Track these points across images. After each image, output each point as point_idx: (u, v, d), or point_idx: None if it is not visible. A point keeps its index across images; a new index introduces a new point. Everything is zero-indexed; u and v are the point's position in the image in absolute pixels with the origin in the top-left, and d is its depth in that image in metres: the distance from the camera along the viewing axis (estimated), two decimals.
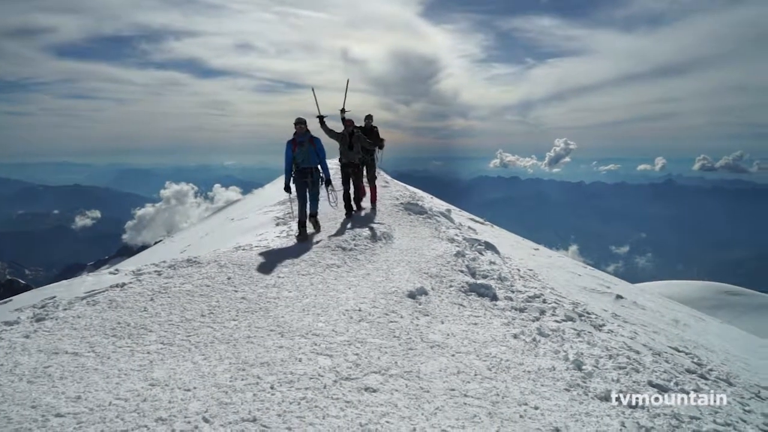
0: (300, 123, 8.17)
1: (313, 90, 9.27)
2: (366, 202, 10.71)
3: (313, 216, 8.59)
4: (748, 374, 5.90)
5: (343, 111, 9.74)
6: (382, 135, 10.92)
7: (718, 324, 10.74)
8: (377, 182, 11.20)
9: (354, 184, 9.82)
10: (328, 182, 8.71)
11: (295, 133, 8.20)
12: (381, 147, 10.85)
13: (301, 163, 8.23)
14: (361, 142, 9.69)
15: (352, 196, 9.78)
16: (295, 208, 8.51)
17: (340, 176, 9.73)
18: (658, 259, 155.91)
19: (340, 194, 9.66)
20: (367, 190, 10.86)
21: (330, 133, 9.38)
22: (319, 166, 8.47)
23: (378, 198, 10.90)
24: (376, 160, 11.08)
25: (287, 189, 8.39)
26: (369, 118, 10.94)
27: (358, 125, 10.19)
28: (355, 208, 9.93)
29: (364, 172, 10.42)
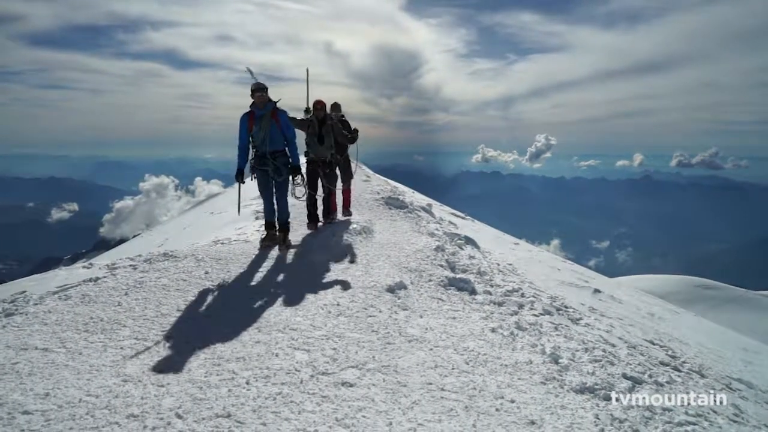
0: (259, 90, 6.25)
1: (307, 72, 7.76)
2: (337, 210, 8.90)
3: (283, 226, 6.86)
4: (720, 366, 6.03)
5: (308, 110, 7.88)
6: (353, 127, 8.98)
7: (693, 317, 10.96)
8: (353, 183, 9.36)
9: (325, 188, 7.94)
10: (296, 170, 6.71)
11: (252, 104, 6.38)
12: (354, 140, 8.79)
13: (260, 145, 6.42)
14: (335, 133, 7.77)
15: (319, 203, 7.96)
16: (257, 205, 7.12)
17: (306, 177, 7.67)
18: (638, 254, 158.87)
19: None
20: (339, 194, 8.98)
21: (292, 120, 7.23)
22: (286, 150, 6.62)
23: (359, 193, 10.66)
24: (352, 156, 9.22)
25: (238, 176, 6.55)
26: (336, 107, 8.91)
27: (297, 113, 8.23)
28: (321, 221, 8.09)
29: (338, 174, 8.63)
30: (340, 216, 8.73)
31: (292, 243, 7.00)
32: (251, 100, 6.40)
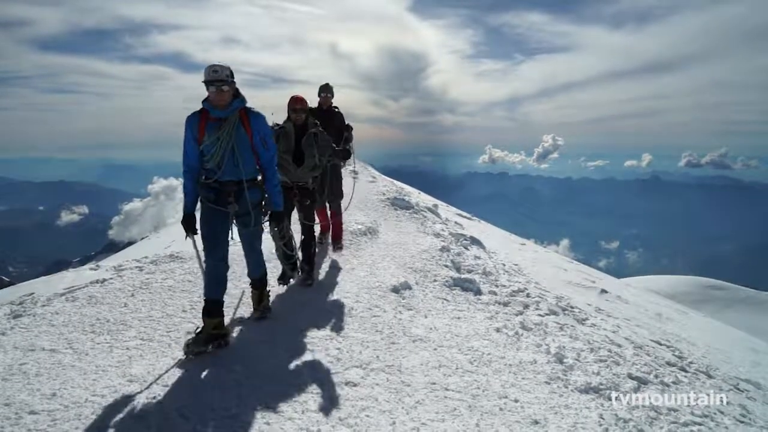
0: (218, 83, 3.66)
1: None
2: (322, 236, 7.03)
3: (258, 283, 4.53)
4: (728, 367, 5.97)
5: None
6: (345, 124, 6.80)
7: (701, 318, 10.87)
8: (344, 204, 7.16)
9: (303, 227, 5.54)
10: (278, 218, 4.31)
11: (206, 100, 3.80)
12: (347, 142, 6.70)
13: (215, 170, 3.87)
14: (319, 148, 5.25)
15: (297, 247, 5.34)
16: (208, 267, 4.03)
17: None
18: (648, 254, 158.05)
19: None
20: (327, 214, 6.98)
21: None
22: (259, 177, 4.14)
23: (365, 194, 10.38)
24: (343, 166, 6.97)
25: (187, 225, 3.97)
26: (325, 90, 6.54)
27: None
28: (306, 269, 5.52)
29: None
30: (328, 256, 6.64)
31: (270, 310, 4.68)
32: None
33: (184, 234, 4.04)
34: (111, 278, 5.47)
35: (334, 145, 5.67)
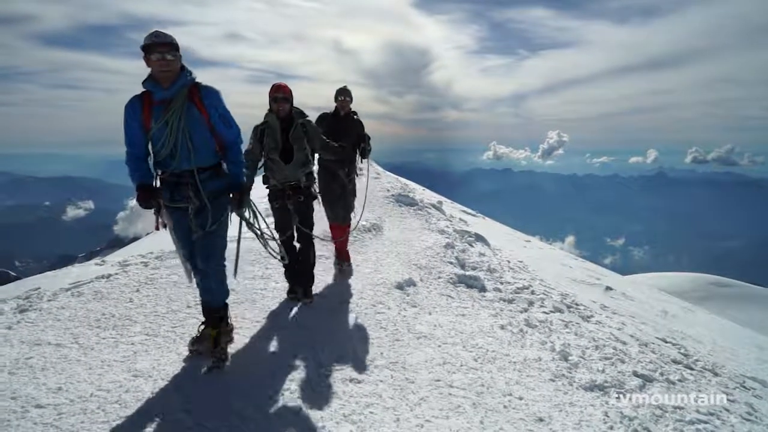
0: (162, 47, 3.07)
1: None
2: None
3: (219, 316, 3.70)
4: (734, 364, 5.94)
5: None
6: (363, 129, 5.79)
7: (707, 315, 10.82)
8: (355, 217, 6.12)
9: (301, 235, 4.75)
10: (238, 194, 3.53)
11: (147, 80, 3.19)
12: (365, 154, 5.82)
13: (168, 159, 3.30)
14: (311, 141, 4.55)
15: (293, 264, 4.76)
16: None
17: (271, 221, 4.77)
18: (654, 251, 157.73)
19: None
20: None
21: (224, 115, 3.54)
22: (222, 165, 3.51)
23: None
24: (356, 175, 6.04)
25: (147, 194, 3.33)
26: (344, 93, 5.54)
27: (308, 112, 4.67)
28: (304, 293, 4.87)
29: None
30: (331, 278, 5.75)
31: (232, 339, 3.91)
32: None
33: (154, 218, 3.44)
34: (116, 273, 5.48)
35: (324, 137, 4.80)
